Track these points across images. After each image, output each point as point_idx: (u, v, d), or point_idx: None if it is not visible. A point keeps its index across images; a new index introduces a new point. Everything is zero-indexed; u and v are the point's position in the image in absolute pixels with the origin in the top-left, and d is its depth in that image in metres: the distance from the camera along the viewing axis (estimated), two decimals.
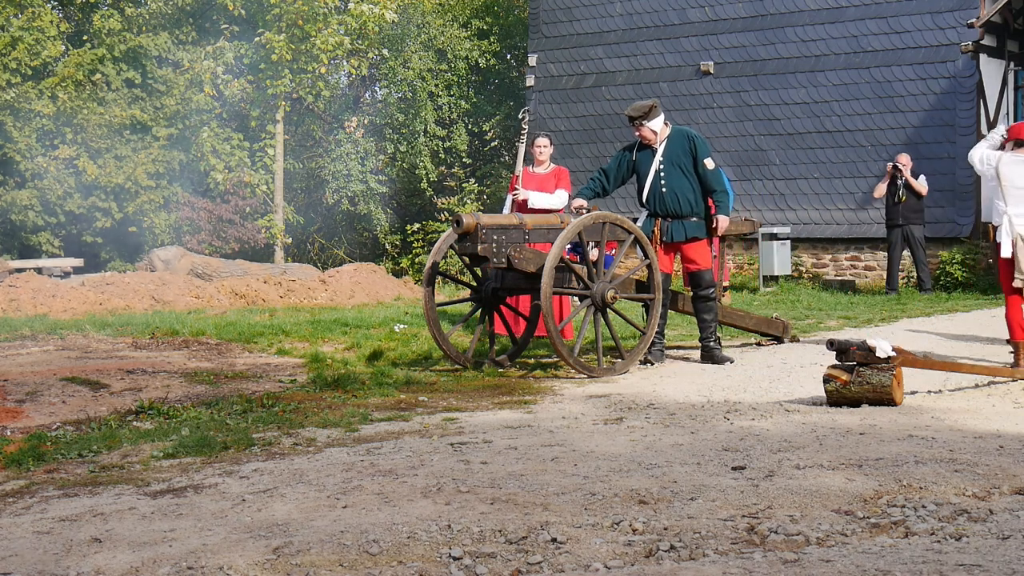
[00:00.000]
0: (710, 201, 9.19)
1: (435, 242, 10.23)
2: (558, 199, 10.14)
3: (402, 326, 11.41)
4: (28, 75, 20.26)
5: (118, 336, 11.09)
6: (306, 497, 4.66)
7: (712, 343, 9.12)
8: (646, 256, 8.74)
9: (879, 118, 17.13)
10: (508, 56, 23.71)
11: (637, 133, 9.18)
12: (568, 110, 19.69)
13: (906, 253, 15.52)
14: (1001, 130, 9.06)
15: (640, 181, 9.24)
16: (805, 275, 17.37)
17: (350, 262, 21.36)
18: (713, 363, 8.93)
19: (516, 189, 10.25)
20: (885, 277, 15.73)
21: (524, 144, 10.79)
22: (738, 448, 5.38)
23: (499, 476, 4.89)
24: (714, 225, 9.16)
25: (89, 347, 10.33)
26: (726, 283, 14.47)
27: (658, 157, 9.12)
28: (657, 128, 9.12)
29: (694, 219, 9.12)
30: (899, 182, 15.13)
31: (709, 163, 9.08)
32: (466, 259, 8.77)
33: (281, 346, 10.30)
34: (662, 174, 9.10)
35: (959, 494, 4.46)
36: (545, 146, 10.38)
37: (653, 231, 9.13)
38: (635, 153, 9.26)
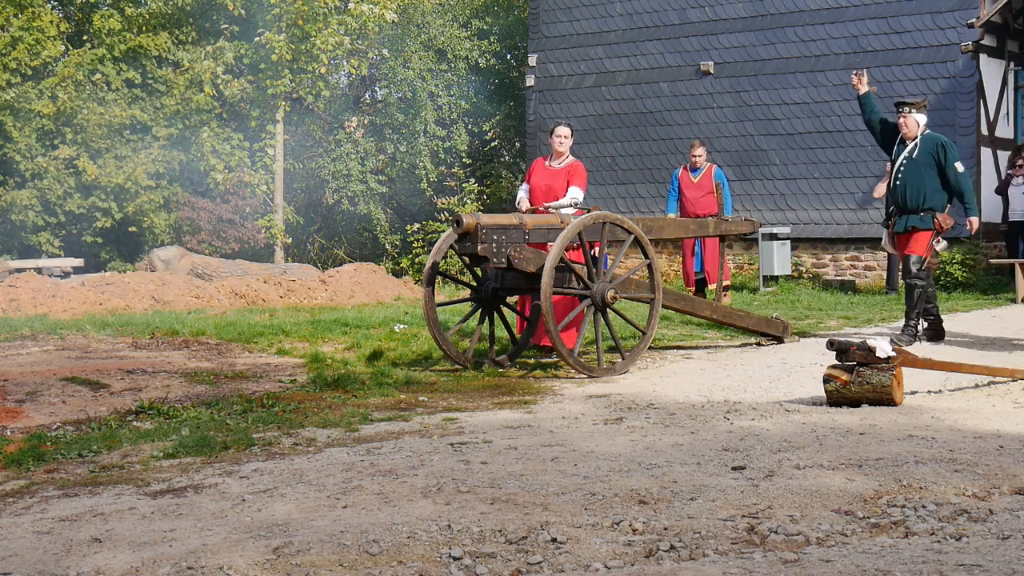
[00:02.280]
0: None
1: (435, 242, 10.20)
2: (572, 196, 9.63)
3: (402, 326, 11.41)
4: (28, 75, 20.27)
5: (118, 336, 11.09)
6: (306, 497, 4.66)
7: (910, 323, 9.71)
8: (647, 257, 8.74)
9: None
10: (508, 56, 23.71)
11: (902, 120, 9.76)
12: (568, 110, 19.68)
13: None
14: None
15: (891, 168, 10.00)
16: (805, 275, 17.37)
17: (350, 262, 21.36)
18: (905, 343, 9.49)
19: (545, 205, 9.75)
20: (885, 277, 15.73)
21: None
22: (738, 448, 5.38)
23: (499, 476, 4.89)
24: (939, 223, 9.78)
25: (89, 347, 10.32)
26: (727, 283, 14.48)
27: (906, 152, 9.77)
28: (921, 122, 9.77)
29: (921, 214, 9.71)
30: None
31: (959, 167, 9.70)
32: (466, 259, 8.77)
33: (281, 346, 10.30)
34: (903, 170, 9.73)
35: (959, 494, 4.46)
36: (566, 136, 9.90)
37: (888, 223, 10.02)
38: (897, 139, 9.93)
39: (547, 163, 9.97)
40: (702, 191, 13.61)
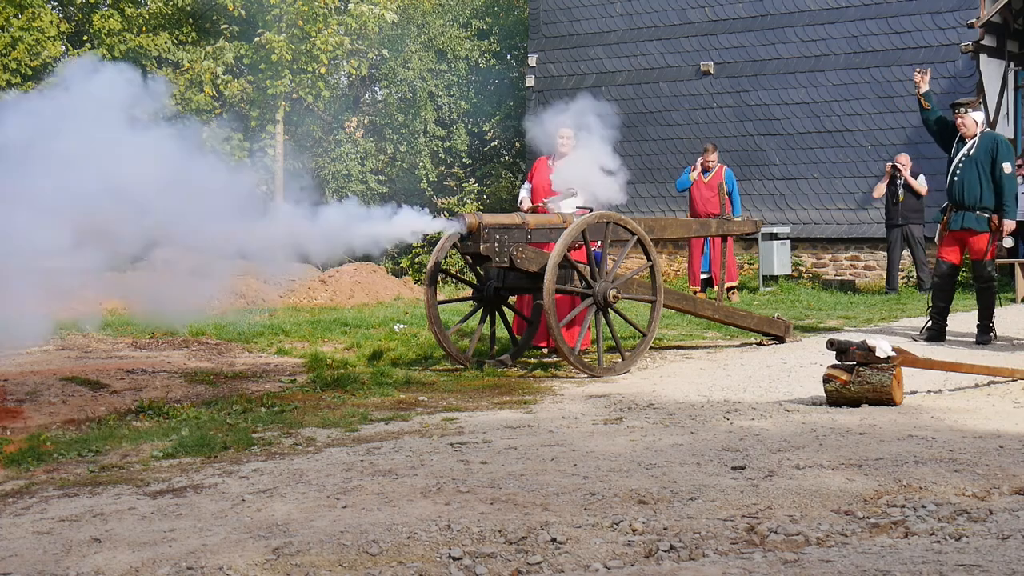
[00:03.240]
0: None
1: (435, 242, 10.20)
2: (569, 188, 9.42)
3: (402, 326, 11.40)
4: (28, 75, 20.26)
5: (118, 336, 11.09)
6: (306, 497, 4.65)
7: (986, 323, 9.87)
8: (649, 257, 8.74)
9: (879, 118, 17.14)
10: (508, 56, 23.70)
11: (959, 120, 9.77)
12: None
13: (906, 253, 15.52)
14: None
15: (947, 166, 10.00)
16: (805, 275, 17.37)
17: (350, 262, 21.35)
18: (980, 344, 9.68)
19: (544, 201, 9.63)
20: (885, 277, 15.73)
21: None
22: (738, 448, 5.38)
23: (499, 476, 4.89)
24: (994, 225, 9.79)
25: (89, 347, 10.32)
26: (733, 283, 14.56)
27: (964, 150, 9.77)
28: (979, 120, 9.81)
29: (977, 212, 9.72)
30: (898, 182, 15.14)
31: (1007, 167, 9.68)
32: (468, 258, 8.77)
33: (281, 346, 10.29)
34: (960, 167, 9.74)
35: (959, 494, 4.45)
36: (569, 137, 9.79)
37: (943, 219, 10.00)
38: (956, 138, 9.92)
39: (550, 162, 9.91)
40: (712, 191, 13.90)
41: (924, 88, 10.05)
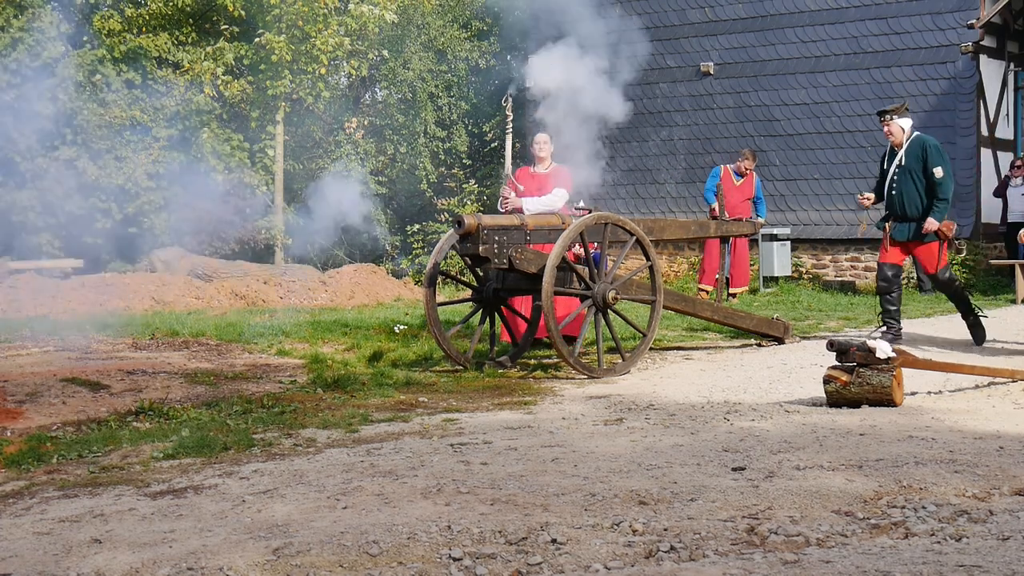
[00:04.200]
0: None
1: (435, 243, 10.22)
2: (555, 199, 9.59)
3: (402, 327, 11.41)
4: (28, 75, 20.25)
5: (118, 337, 11.09)
6: (306, 498, 4.65)
7: (971, 316, 9.72)
8: (648, 258, 8.74)
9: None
10: (508, 56, 23.70)
11: (886, 129, 9.69)
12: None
13: None
14: None
15: (881, 178, 9.86)
16: (805, 276, 17.37)
17: (350, 263, 21.36)
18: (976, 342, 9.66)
19: (507, 197, 9.68)
20: None
21: (511, 137, 10.50)
22: (738, 449, 5.38)
23: (499, 477, 4.89)
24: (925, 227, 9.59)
25: (89, 348, 10.32)
26: (743, 288, 14.61)
27: (896, 161, 9.64)
28: (906, 126, 9.65)
29: (920, 221, 9.57)
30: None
31: (938, 172, 9.48)
32: (467, 260, 8.77)
33: (281, 347, 10.29)
34: (895, 180, 9.60)
35: (959, 495, 4.45)
36: (545, 143, 9.95)
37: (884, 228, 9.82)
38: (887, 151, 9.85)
39: (532, 170, 10.04)
40: (743, 196, 14.07)
41: (867, 205, 10.03)
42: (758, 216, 14.22)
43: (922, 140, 9.68)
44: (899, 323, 9.82)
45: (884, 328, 9.74)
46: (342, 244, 23.59)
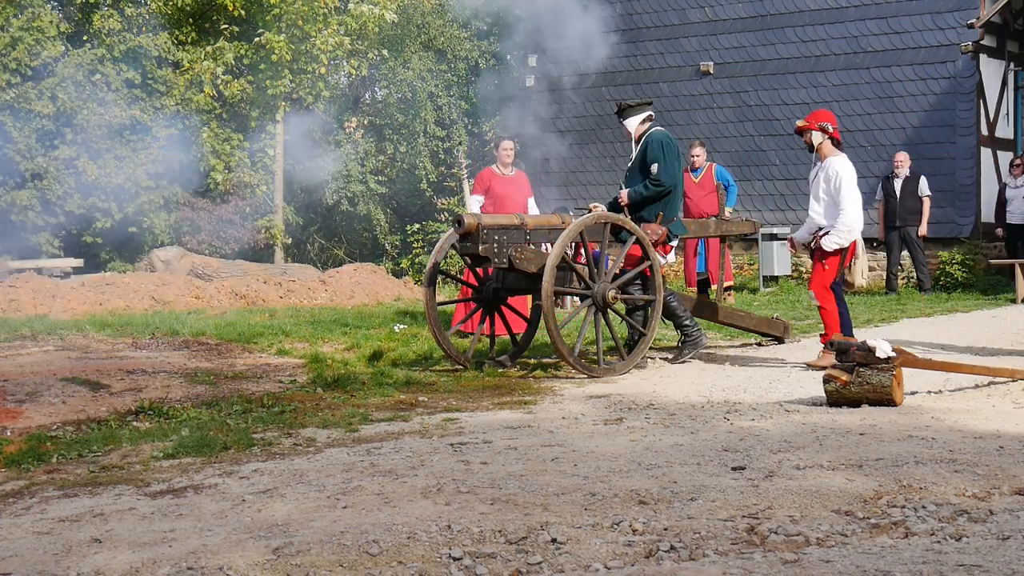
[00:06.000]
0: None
1: (435, 242, 10.25)
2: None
3: (402, 326, 11.41)
4: (28, 75, 20.26)
5: (118, 336, 11.09)
6: (306, 497, 4.65)
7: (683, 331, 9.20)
8: (648, 257, 8.74)
9: (879, 118, 17.13)
10: (508, 56, 23.70)
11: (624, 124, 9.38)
12: (568, 110, 19.67)
13: (905, 253, 15.53)
14: None
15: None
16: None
17: (350, 262, 21.36)
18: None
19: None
20: (885, 278, 15.73)
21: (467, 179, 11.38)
22: (738, 448, 5.38)
23: (499, 476, 4.89)
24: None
25: (89, 347, 10.32)
26: (729, 283, 14.49)
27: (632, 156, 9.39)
28: (631, 127, 9.25)
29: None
30: (895, 181, 15.29)
31: (654, 168, 9.02)
32: (467, 259, 8.78)
33: (281, 346, 10.30)
34: (627, 174, 9.37)
35: (959, 494, 4.45)
36: (511, 149, 11.00)
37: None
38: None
39: (501, 173, 10.89)
40: (704, 191, 13.59)
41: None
42: (728, 206, 13.69)
43: (650, 137, 9.15)
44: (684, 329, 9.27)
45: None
46: (342, 243, 23.60)
